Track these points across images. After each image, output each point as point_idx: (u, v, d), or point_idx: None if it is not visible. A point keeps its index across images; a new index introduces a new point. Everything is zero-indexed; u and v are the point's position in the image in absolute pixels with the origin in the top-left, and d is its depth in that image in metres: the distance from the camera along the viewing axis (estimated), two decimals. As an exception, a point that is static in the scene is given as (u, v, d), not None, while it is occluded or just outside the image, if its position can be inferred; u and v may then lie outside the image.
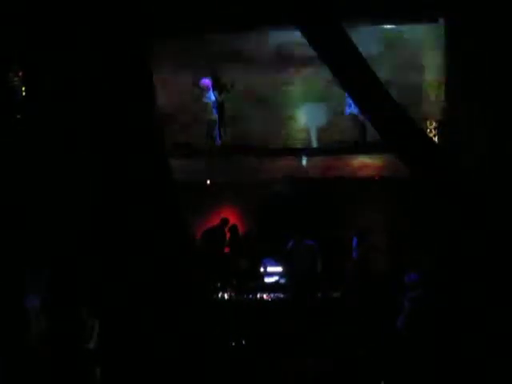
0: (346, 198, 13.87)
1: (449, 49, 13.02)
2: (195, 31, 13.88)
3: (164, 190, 5.83)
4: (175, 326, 5.59)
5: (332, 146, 14.06)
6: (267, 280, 13.38)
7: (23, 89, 7.28)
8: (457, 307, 7.10)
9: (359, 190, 13.71)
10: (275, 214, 14.17)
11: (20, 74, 7.96)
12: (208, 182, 14.56)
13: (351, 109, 13.32)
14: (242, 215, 14.63)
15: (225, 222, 13.95)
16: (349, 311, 11.32)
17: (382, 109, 7.10)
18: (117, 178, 5.64)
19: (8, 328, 7.68)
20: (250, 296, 12.52)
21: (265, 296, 12.51)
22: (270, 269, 13.49)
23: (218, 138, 14.19)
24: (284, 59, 14.54)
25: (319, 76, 13.39)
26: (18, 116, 8.02)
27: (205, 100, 14.09)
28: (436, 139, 13.17)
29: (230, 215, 14.31)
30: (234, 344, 10.03)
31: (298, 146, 14.58)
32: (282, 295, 12.51)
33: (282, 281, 13.19)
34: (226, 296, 12.47)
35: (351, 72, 7.10)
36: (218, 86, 14.17)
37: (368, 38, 12.90)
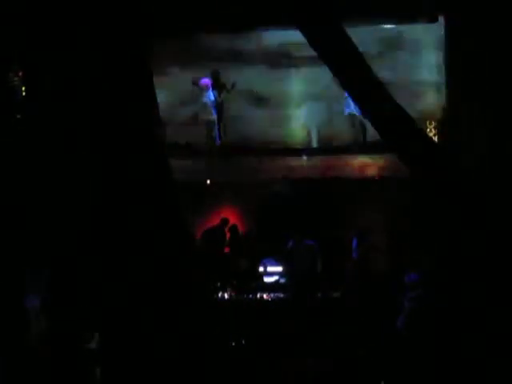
0: (345, 198, 13.85)
1: (449, 49, 13.04)
2: (195, 31, 13.91)
3: (164, 190, 5.83)
4: (175, 326, 5.59)
5: (332, 146, 14.07)
6: (267, 280, 13.35)
7: (23, 89, 7.28)
8: (457, 307, 7.08)
9: (359, 190, 13.69)
10: (275, 214, 14.14)
11: (20, 73, 7.95)
12: (208, 182, 14.56)
13: (351, 109, 13.33)
14: (242, 215, 14.62)
15: (225, 222, 13.94)
16: (349, 311, 11.30)
17: (381, 109, 7.09)
18: (117, 178, 5.64)
19: (8, 328, 7.68)
20: (250, 296, 12.51)
21: (265, 296, 12.49)
22: (269, 269, 13.46)
23: (217, 138, 14.19)
24: (284, 59, 14.54)
25: (319, 76, 13.39)
26: (18, 116, 8.02)
27: (204, 100, 14.10)
28: (436, 139, 13.18)
29: (230, 215, 14.30)
30: (233, 344, 10.01)
31: (298, 146, 14.59)
32: (281, 295, 12.49)
33: (282, 281, 13.17)
34: (226, 296, 12.45)
35: (351, 72, 7.09)
36: (217, 86, 14.17)
37: (368, 38, 12.92)
